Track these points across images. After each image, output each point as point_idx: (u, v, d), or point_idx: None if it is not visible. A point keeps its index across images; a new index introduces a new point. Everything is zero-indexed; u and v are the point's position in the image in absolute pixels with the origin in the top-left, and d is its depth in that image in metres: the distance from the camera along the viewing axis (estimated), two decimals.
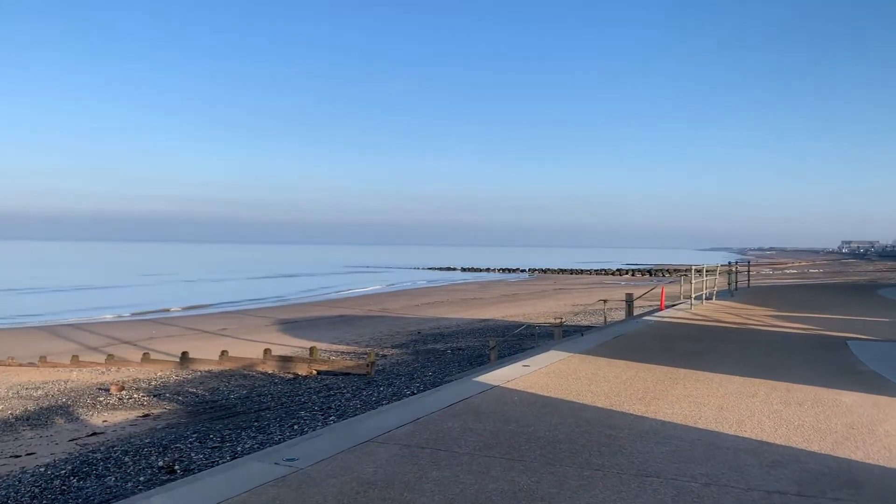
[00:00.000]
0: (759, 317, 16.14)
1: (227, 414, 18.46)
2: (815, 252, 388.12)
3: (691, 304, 18.17)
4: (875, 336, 12.75)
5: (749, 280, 26.89)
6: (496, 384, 7.88)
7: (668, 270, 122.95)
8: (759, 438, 5.75)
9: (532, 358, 9.73)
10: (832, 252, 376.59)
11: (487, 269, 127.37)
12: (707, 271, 19.88)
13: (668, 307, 18.73)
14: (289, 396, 20.70)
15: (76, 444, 15.56)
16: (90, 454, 14.53)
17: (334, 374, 23.95)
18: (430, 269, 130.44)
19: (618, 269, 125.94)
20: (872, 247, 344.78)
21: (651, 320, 14.95)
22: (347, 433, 6.01)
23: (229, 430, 16.41)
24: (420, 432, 5.82)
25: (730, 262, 25.78)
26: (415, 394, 20.28)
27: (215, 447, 14.96)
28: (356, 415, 17.78)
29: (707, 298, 19.79)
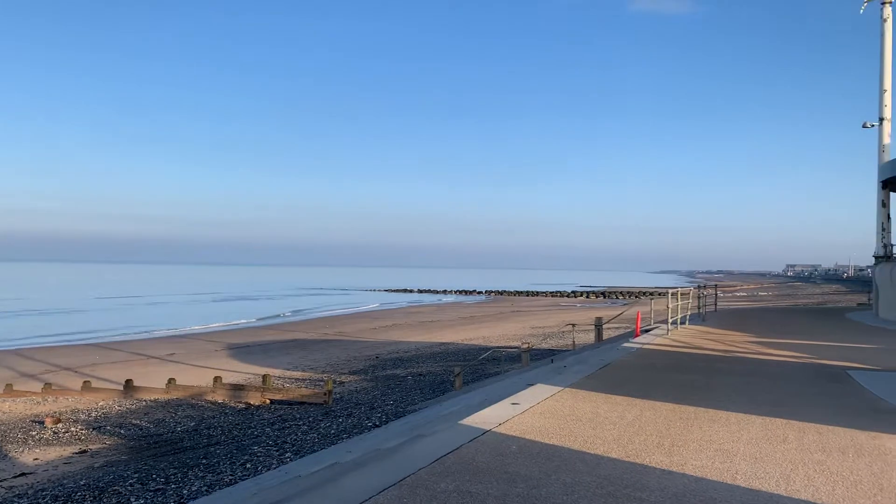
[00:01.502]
0: (741, 343, 15.38)
1: (172, 449, 16.95)
2: (762, 275, 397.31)
3: (668, 330, 17.37)
4: (872, 365, 12.04)
5: (716, 304, 26.37)
6: (488, 428, 6.79)
7: (621, 293, 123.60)
8: (817, 501, 4.76)
9: (520, 394, 8.67)
10: (778, 275, 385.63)
11: (444, 291, 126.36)
12: (682, 294, 19.16)
13: (642, 332, 17.91)
14: (241, 429, 19.24)
15: (0, 487, 13.95)
16: (15, 500, 12.95)
17: (289, 403, 22.58)
18: (386, 290, 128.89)
19: (573, 292, 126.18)
20: (815, 270, 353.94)
21: (632, 347, 14.05)
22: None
23: (175, 468, 14.94)
24: (408, 500, 4.69)
25: (699, 286, 25.19)
26: (377, 425, 19.02)
27: (159, 489, 13.50)
28: (314, 450, 16.50)
29: (681, 323, 19.04)
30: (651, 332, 17.41)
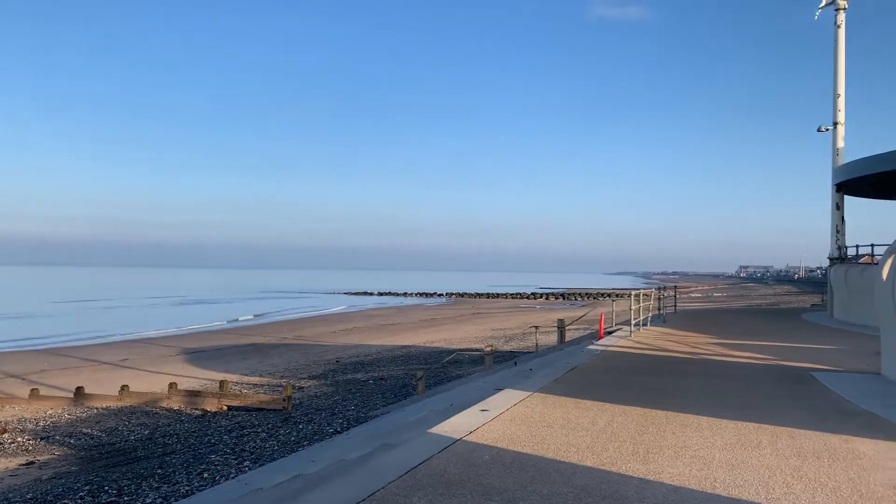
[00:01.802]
0: (704, 345, 15.42)
1: (125, 459, 16.37)
2: (716, 276, 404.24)
3: (631, 332, 17.35)
4: (833, 366, 12.12)
5: (676, 305, 26.58)
6: (458, 437, 6.56)
7: (580, 294, 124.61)
8: None
9: (488, 400, 8.47)
10: (731, 276, 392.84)
11: (405, 294, 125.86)
12: (644, 296, 19.19)
13: (605, 333, 17.87)
14: (197, 437, 18.70)
15: None
16: None
17: (247, 409, 22.07)
18: (346, 293, 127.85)
19: (532, 293, 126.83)
20: (767, 271, 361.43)
21: (596, 350, 13.97)
22: None
23: (128, 479, 14.40)
24: None
25: (659, 287, 25.35)
26: (338, 432, 18.66)
27: (111, 502, 12.99)
28: (274, 458, 16.09)
29: (643, 325, 19.07)
30: (614, 334, 17.38)
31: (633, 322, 17.78)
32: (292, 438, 18.17)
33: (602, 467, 5.61)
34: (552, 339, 34.61)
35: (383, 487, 5.03)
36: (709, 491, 5.04)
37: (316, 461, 8.34)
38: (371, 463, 5.81)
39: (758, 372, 11.34)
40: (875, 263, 24.14)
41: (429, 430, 6.81)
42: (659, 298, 23.61)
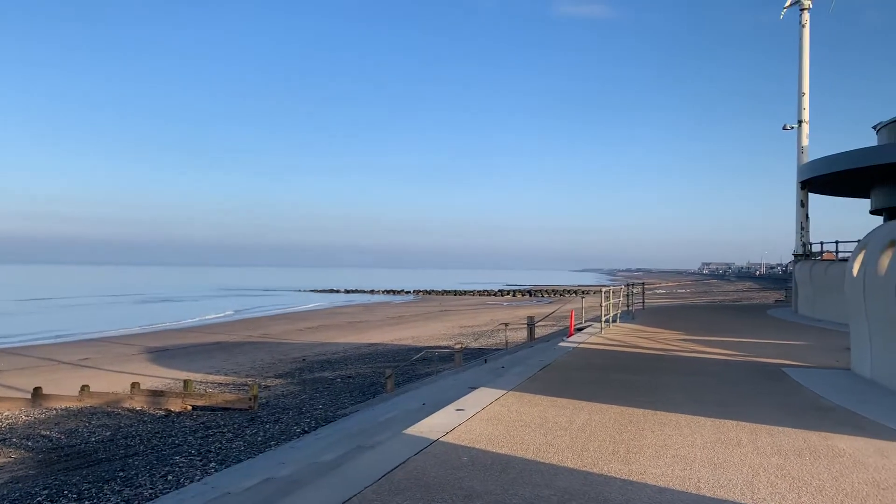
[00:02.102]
0: (674, 341, 15.44)
1: (86, 462, 15.89)
2: (679, 273, 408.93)
3: (602, 328, 17.33)
4: (803, 362, 12.19)
5: (644, 301, 26.70)
6: (435, 437, 6.38)
7: (547, 291, 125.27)
8: None
9: (463, 399, 8.30)
10: (694, 273, 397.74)
11: (372, 291, 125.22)
12: (613, 292, 19.20)
13: (576, 330, 17.82)
14: (161, 438, 18.25)
15: None
16: None
17: (213, 409, 21.63)
18: (312, 291, 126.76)
19: (499, 290, 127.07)
20: (729, 268, 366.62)
21: (568, 347, 13.89)
22: None
23: (89, 483, 13.97)
24: None
25: (627, 284, 25.45)
26: (306, 431, 18.36)
27: None
28: (241, 459, 15.74)
29: (612, 321, 19.07)
30: (585, 331, 17.34)
31: (603, 319, 17.76)
32: (259, 439, 17.82)
33: (584, 468, 5.47)
34: (522, 335, 34.60)
35: (360, 493, 4.82)
36: (694, 492, 4.93)
37: (286, 463, 8.11)
38: (345, 466, 5.60)
39: (730, 368, 11.34)
40: (835, 260, 24.52)
41: (404, 431, 6.61)
42: (627, 295, 23.66)
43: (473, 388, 9.63)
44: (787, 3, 27.30)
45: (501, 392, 8.75)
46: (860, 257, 10.62)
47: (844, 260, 22.55)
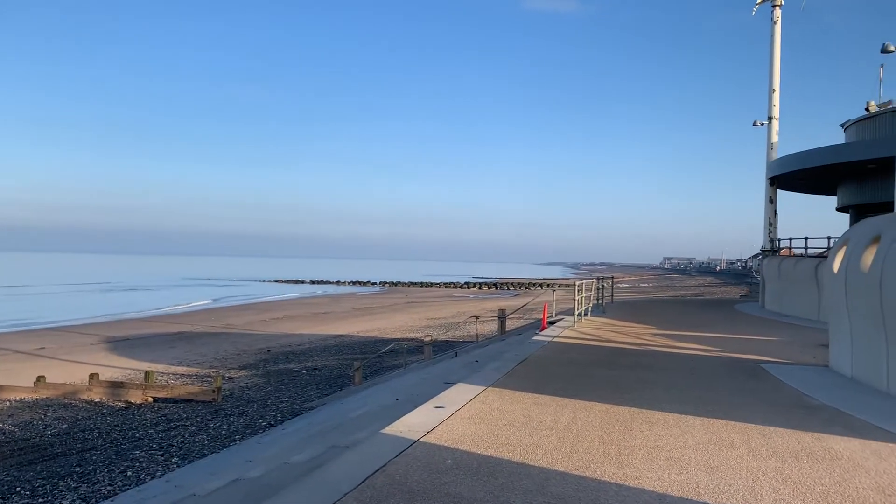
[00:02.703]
0: (648, 336, 15.29)
1: (41, 457, 15.25)
2: (642, 267, 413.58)
3: (574, 322, 17.12)
4: (781, 358, 12.09)
5: (613, 295, 26.64)
6: (415, 437, 6.03)
7: (513, 284, 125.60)
8: None
9: (441, 396, 7.96)
10: (656, 267, 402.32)
11: (338, 282, 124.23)
12: (585, 287, 19.00)
13: (548, 323, 17.58)
14: (121, 431, 17.64)
15: None
16: None
17: (175, 401, 21.05)
18: (277, 281, 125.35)
19: (466, 283, 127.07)
20: (690, 263, 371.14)
21: (543, 341, 13.63)
22: None
23: (43, 478, 13.37)
24: None
25: (599, 277, 25.34)
26: (272, 425, 17.89)
27: None
28: (204, 454, 15.24)
29: (584, 315, 18.88)
30: (557, 325, 17.12)
31: (576, 312, 17.56)
32: (223, 432, 17.33)
33: (575, 472, 5.18)
34: (491, 328, 34.39)
35: (339, 500, 4.46)
36: (695, 499, 4.66)
37: (255, 462, 7.71)
38: (322, 469, 5.22)
39: (708, 364, 11.17)
40: (804, 256, 24.65)
41: (382, 431, 6.25)
42: (599, 289, 23.54)
43: (450, 384, 9.30)
44: (759, 0, 27.34)
45: (480, 388, 8.43)
46: (841, 253, 10.50)
47: (815, 256, 22.70)
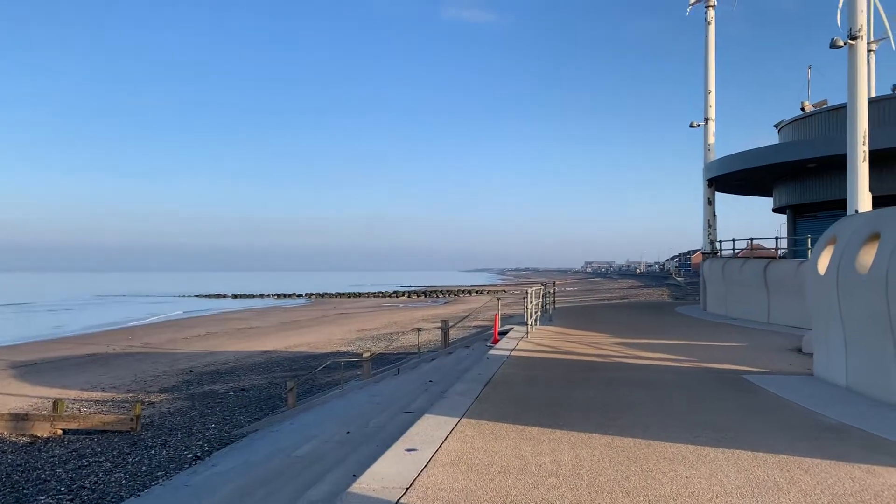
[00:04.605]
0: (608, 346, 14.39)
1: None
2: (565, 271, 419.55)
3: (527, 332, 16.09)
4: (755, 366, 11.33)
5: (555, 301, 25.82)
6: (394, 499, 4.76)
7: (441, 291, 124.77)
8: None
9: (411, 433, 6.67)
10: (578, 271, 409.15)
11: (262, 295, 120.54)
12: (535, 294, 18.03)
13: (499, 334, 16.47)
14: (23, 472, 15.60)
15: None
16: None
17: (88, 432, 19.09)
18: (197, 296, 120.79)
19: (394, 292, 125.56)
20: (611, 266, 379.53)
21: (501, 355, 12.51)
22: None
23: None
24: None
25: (544, 284, 24.47)
26: (199, 457, 16.18)
27: None
28: (121, 497, 13.46)
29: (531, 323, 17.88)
30: (509, 336, 16.04)
31: (528, 321, 16.54)
32: (144, 468, 15.55)
33: None
34: (427, 337, 33.19)
35: None
36: None
37: None
38: None
39: (688, 377, 10.26)
40: (750, 257, 24.43)
41: (349, 490, 4.95)
42: (546, 295, 22.64)
43: (412, 413, 8.04)
44: (693, 0, 27.12)
45: (453, 420, 7.20)
46: (826, 253, 9.76)
47: (765, 257, 22.39)
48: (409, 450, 6.07)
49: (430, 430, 6.82)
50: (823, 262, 9.69)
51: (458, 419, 7.29)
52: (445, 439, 6.43)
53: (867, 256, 8.47)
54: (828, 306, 9.42)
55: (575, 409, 7.89)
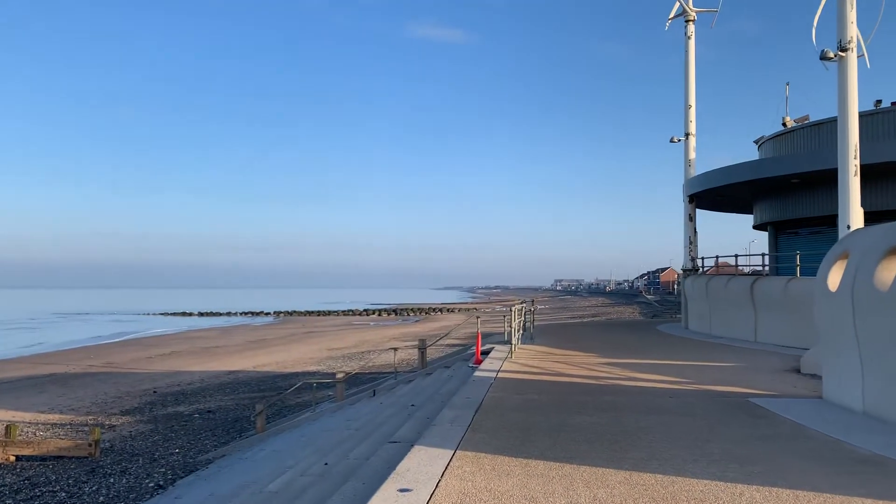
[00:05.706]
0: (597, 366, 13.72)
1: None
2: (535, 289, 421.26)
3: (511, 352, 15.36)
4: (758, 389, 10.72)
5: (534, 320, 25.16)
6: None
7: (412, 310, 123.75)
8: None
9: (401, 467, 5.90)
10: (548, 289, 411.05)
11: (228, 313, 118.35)
12: (518, 312, 17.34)
13: (482, 354, 15.74)
14: None
15: None
16: None
17: (43, 459, 17.93)
18: (161, 314, 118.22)
19: (364, 310, 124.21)
20: (580, 284, 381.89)
21: (487, 377, 11.77)
22: None
23: None
24: None
25: (526, 301, 23.79)
26: (161, 486, 15.13)
27: None
28: None
29: (516, 343, 17.18)
30: (491, 356, 15.31)
31: (512, 341, 15.83)
32: (101, 499, 14.48)
33: None
34: (401, 356, 32.29)
35: None
36: None
37: None
38: None
39: (691, 401, 9.60)
40: (735, 275, 24.06)
41: None
42: (527, 313, 21.95)
43: (399, 443, 7.25)
44: (672, 15, 26.89)
45: (447, 452, 6.43)
46: (837, 269, 9.20)
47: (750, 274, 21.97)
48: (402, 490, 5.29)
49: (422, 465, 6.04)
50: (834, 279, 9.12)
51: (452, 451, 6.52)
52: (442, 476, 5.66)
53: (886, 272, 7.89)
54: (840, 325, 8.83)
55: (580, 438, 7.16)
